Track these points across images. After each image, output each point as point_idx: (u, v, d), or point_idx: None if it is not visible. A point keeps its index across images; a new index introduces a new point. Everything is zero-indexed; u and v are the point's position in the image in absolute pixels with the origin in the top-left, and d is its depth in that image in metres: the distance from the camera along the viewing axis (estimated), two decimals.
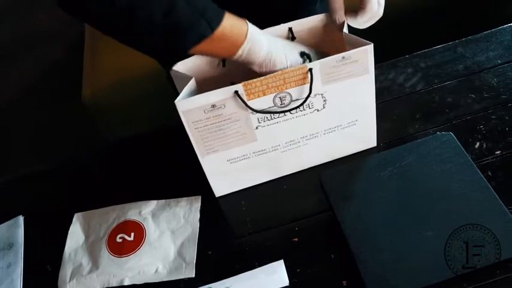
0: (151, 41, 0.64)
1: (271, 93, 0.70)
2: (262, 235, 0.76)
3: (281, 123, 0.74)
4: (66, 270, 0.76)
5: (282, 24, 0.75)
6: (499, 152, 0.77)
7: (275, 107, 0.72)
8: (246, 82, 0.68)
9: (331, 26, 0.76)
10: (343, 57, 0.69)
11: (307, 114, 0.74)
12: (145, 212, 0.80)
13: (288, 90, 0.70)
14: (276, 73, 0.68)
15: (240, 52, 0.68)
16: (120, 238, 0.77)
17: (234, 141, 0.74)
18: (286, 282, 0.69)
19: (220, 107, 0.70)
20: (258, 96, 0.70)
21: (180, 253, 0.75)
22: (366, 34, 0.74)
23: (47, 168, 0.97)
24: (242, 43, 0.67)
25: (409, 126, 0.84)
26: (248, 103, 0.70)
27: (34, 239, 0.83)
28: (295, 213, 0.77)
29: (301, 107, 0.72)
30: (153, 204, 0.82)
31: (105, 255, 0.76)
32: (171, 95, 0.84)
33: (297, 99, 0.71)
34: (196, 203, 0.81)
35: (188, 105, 0.69)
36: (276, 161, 0.79)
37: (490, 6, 1.59)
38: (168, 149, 0.92)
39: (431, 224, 0.69)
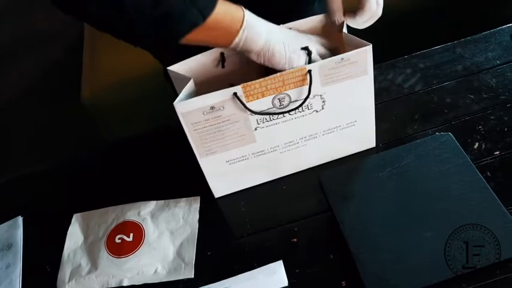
0: (142, 32, 0.63)
1: (270, 94, 0.70)
2: (261, 236, 0.76)
3: (280, 124, 0.74)
4: (65, 270, 0.76)
5: (281, 25, 0.75)
6: (498, 152, 0.77)
7: (274, 108, 0.72)
8: (245, 84, 0.68)
9: (331, 27, 0.76)
10: (342, 59, 0.69)
11: (306, 115, 0.74)
12: (144, 212, 0.80)
13: (286, 92, 0.70)
14: (275, 75, 0.68)
15: (237, 40, 0.67)
16: (119, 239, 0.77)
17: (232, 142, 0.74)
18: (285, 283, 0.69)
19: (219, 109, 0.70)
20: (257, 98, 0.70)
21: (179, 254, 0.75)
22: (365, 34, 0.74)
23: (46, 168, 0.97)
24: (238, 31, 0.66)
25: (408, 127, 0.84)
26: (247, 105, 0.70)
27: (33, 240, 0.83)
28: (294, 213, 0.77)
29: (300, 108, 0.72)
30: (152, 204, 0.82)
31: (104, 255, 0.76)
32: (170, 96, 0.85)
33: (296, 101, 0.72)
34: (195, 204, 0.81)
35: (187, 107, 0.69)
36: (275, 161, 0.79)
37: (489, 6, 1.59)
38: (167, 149, 0.92)
39: (431, 225, 0.69)
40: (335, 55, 0.71)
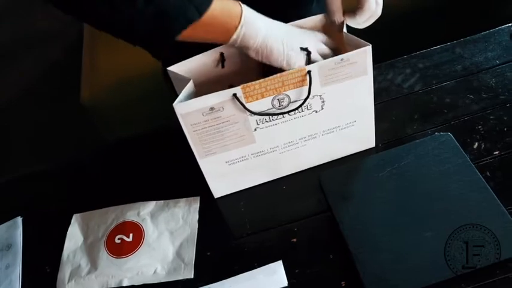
0: (137, 29, 0.62)
1: (269, 95, 0.70)
2: (260, 236, 0.76)
3: (279, 124, 0.74)
4: (65, 271, 0.76)
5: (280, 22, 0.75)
6: (497, 152, 0.77)
7: (273, 109, 0.72)
8: (244, 85, 0.68)
9: (330, 27, 0.76)
10: (342, 59, 0.69)
11: (305, 115, 0.74)
12: (144, 212, 0.80)
13: (286, 92, 0.70)
14: (274, 76, 0.68)
15: (234, 37, 0.67)
16: (118, 239, 0.77)
17: (232, 143, 0.74)
18: (285, 283, 0.69)
19: (219, 110, 0.70)
20: (257, 99, 0.70)
21: (178, 254, 0.75)
22: (365, 34, 0.74)
23: (45, 168, 0.97)
24: (236, 28, 0.66)
25: (407, 127, 0.84)
26: (246, 105, 0.70)
27: (33, 240, 0.83)
28: (293, 213, 0.77)
29: (299, 109, 0.72)
30: (151, 205, 0.82)
31: (104, 256, 0.76)
32: (170, 96, 0.85)
33: (295, 101, 0.72)
34: (195, 204, 0.81)
35: (186, 108, 0.69)
36: (275, 162, 0.79)
37: (489, 6, 1.59)
38: (167, 149, 0.92)
39: (430, 224, 0.69)
40: (335, 54, 0.71)
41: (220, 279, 0.71)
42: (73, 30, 2.19)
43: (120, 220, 0.80)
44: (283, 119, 0.73)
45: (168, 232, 0.78)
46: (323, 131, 0.77)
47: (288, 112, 0.72)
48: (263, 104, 0.70)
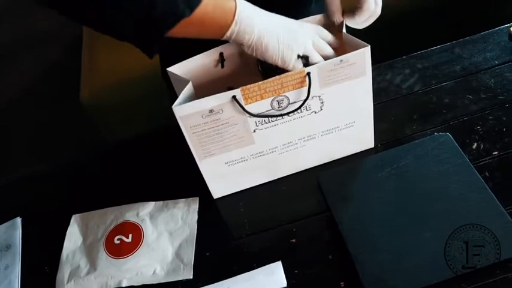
0: (124, 25, 0.61)
1: (268, 97, 0.70)
2: (260, 236, 0.76)
3: (279, 125, 0.74)
4: (64, 271, 0.76)
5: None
6: (496, 152, 0.77)
7: (273, 110, 0.72)
8: (243, 87, 0.68)
9: (330, 27, 0.76)
10: (341, 60, 0.69)
11: (304, 116, 0.74)
12: (143, 213, 0.80)
13: (285, 94, 0.70)
14: (273, 78, 0.68)
15: (228, 34, 0.65)
16: (118, 239, 0.77)
17: (231, 144, 0.74)
18: (284, 284, 0.69)
19: (218, 112, 0.70)
20: (256, 101, 0.70)
21: (178, 254, 0.75)
22: (364, 34, 0.74)
23: (45, 169, 0.97)
24: (229, 24, 0.64)
25: (406, 127, 0.84)
26: (246, 107, 0.70)
27: (32, 241, 0.83)
28: (293, 214, 0.77)
29: (298, 110, 0.72)
30: (151, 205, 0.82)
31: (103, 256, 0.76)
32: (169, 96, 0.85)
33: (294, 102, 0.72)
34: (194, 205, 0.81)
35: (186, 111, 0.69)
36: (274, 163, 0.79)
37: (488, 6, 1.59)
38: (166, 149, 0.92)
39: (430, 225, 0.69)
40: (333, 49, 0.70)
41: (220, 280, 0.71)
42: (73, 30, 2.19)
43: (120, 221, 0.80)
44: (282, 120, 0.73)
45: (167, 233, 0.78)
46: (322, 132, 0.77)
47: (287, 113, 0.72)
48: (262, 106, 0.71)
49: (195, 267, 0.74)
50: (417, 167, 0.76)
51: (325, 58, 0.71)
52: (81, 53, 1.75)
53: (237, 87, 0.68)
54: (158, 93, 1.07)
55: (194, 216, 0.80)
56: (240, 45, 0.68)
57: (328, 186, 0.78)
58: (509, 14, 1.54)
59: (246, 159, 0.77)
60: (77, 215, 0.84)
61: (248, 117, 0.71)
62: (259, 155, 0.77)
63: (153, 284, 0.73)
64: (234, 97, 0.68)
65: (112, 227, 0.80)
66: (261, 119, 0.72)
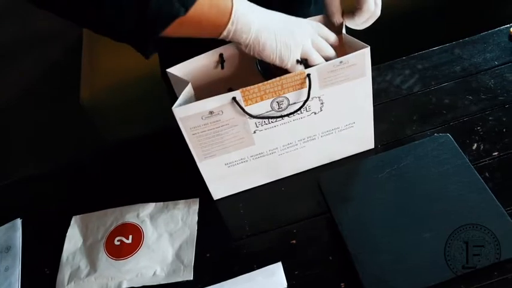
0: (118, 24, 0.60)
1: (268, 98, 0.70)
2: (260, 237, 0.76)
3: (278, 126, 0.74)
4: (64, 273, 0.76)
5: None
6: (496, 153, 0.77)
7: (273, 111, 0.72)
8: (243, 89, 0.68)
9: (329, 28, 0.76)
10: (341, 62, 0.69)
11: (304, 117, 0.74)
12: (143, 214, 0.80)
13: (285, 95, 0.70)
14: (274, 80, 0.68)
15: (225, 33, 0.65)
16: (118, 241, 0.77)
17: (231, 145, 0.74)
18: (285, 284, 0.69)
19: (218, 113, 0.69)
20: (256, 102, 0.70)
21: (178, 256, 0.75)
22: (364, 35, 0.74)
23: (45, 170, 0.97)
24: (226, 24, 0.63)
25: (406, 128, 0.84)
26: (246, 109, 0.70)
27: (32, 242, 0.83)
28: (293, 215, 0.77)
29: (298, 111, 0.72)
30: (151, 206, 0.82)
31: (103, 258, 0.76)
32: (169, 97, 0.85)
33: (294, 103, 0.71)
34: (194, 206, 0.81)
35: (186, 112, 0.68)
36: (274, 164, 0.79)
37: (489, 7, 1.59)
38: (166, 150, 0.92)
39: (430, 225, 0.69)
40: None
41: (220, 281, 0.71)
42: (73, 30, 2.19)
43: (120, 222, 0.80)
44: (282, 121, 0.73)
45: (167, 234, 0.78)
46: (322, 133, 0.77)
47: (287, 115, 0.72)
48: (262, 107, 0.71)
49: (195, 269, 0.74)
50: (417, 167, 0.76)
51: (325, 57, 0.71)
52: (81, 54, 1.75)
53: (237, 89, 0.68)
54: (158, 94, 1.07)
55: (194, 217, 0.80)
56: (236, 43, 0.67)
57: (328, 187, 0.78)
58: (509, 14, 1.54)
59: (246, 160, 0.77)
60: (77, 216, 0.84)
61: (248, 119, 0.71)
62: (259, 156, 0.77)
63: (153, 285, 0.73)
64: (234, 98, 0.68)
65: (112, 228, 0.79)
66: (261, 120, 0.72)
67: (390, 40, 1.42)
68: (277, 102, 0.71)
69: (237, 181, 0.80)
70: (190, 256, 0.75)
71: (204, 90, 0.74)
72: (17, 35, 2.61)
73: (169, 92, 0.84)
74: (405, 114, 0.86)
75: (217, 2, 0.63)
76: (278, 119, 0.73)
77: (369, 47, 0.69)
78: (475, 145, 0.79)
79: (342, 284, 0.68)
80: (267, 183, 0.82)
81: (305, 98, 0.71)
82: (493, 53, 0.92)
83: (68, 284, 0.75)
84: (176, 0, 0.60)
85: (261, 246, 0.75)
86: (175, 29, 0.62)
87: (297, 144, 0.77)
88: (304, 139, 0.77)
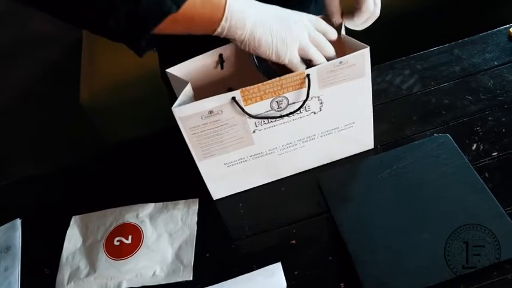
0: (109, 22, 0.59)
1: (268, 98, 0.70)
2: (259, 238, 0.76)
3: (278, 126, 0.74)
4: (64, 273, 0.76)
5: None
6: (495, 153, 0.77)
7: (272, 111, 0.72)
8: (243, 89, 0.68)
9: None
10: (341, 62, 0.69)
11: (304, 117, 0.74)
12: (142, 214, 0.80)
13: (285, 95, 0.70)
14: (273, 80, 0.68)
15: (219, 30, 0.64)
16: (117, 241, 0.77)
17: (231, 145, 0.74)
18: (284, 285, 0.69)
19: (218, 113, 0.70)
20: (255, 102, 0.70)
21: (177, 256, 0.75)
22: (363, 35, 0.74)
23: (44, 170, 0.97)
24: (219, 20, 0.62)
25: (406, 128, 0.84)
26: (245, 108, 0.70)
27: (31, 242, 0.83)
28: (292, 215, 0.77)
29: (298, 111, 0.72)
30: (150, 207, 0.82)
31: (103, 258, 0.76)
32: (169, 98, 0.85)
33: (293, 103, 0.72)
34: (193, 206, 0.81)
35: (185, 112, 0.69)
36: (273, 163, 0.79)
37: (487, 7, 1.59)
38: (166, 151, 0.92)
39: (429, 226, 0.69)
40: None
41: (219, 281, 0.71)
42: (72, 32, 2.20)
43: (119, 222, 0.80)
44: (282, 121, 0.73)
45: (167, 234, 0.78)
46: (321, 133, 0.77)
47: (286, 115, 0.72)
48: (262, 107, 0.71)
49: (195, 269, 0.74)
50: (417, 168, 0.76)
51: (322, 52, 0.70)
52: (81, 55, 1.75)
53: (237, 89, 0.68)
54: (157, 95, 1.07)
55: (194, 218, 0.79)
56: (231, 40, 0.66)
57: (328, 187, 0.78)
58: (507, 15, 1.54)
59: (246, 160, 0.77)
60: (77, 216, 0.84)
61: (247, 118, 0.71)
62: (258, 155, 0.77)
63: (152, 286, 0.73)
64: (233, 98, 0.68)
65: (112, 228, 0.79)
66: (260, 120, 0.72)
67: (390, 40, 1.42)
68: (277, 102, 0.71)
69: (237, 181, 0.80)
70: (189, 256, 0.75)
71: (203, 90, 0.74)
72: (17, 36, 2.61)
73: (168, 92, 0.84)
74: (405, 114, 0.86)
75: None
76: (277, 119, 0.73)
77: (369, 47, 0.69)
78: (475, 145, 0.79)
79: (341, 284, 0.67)
80: (267, 184, 0.82)
81: (304, 98, 0.71)
82: (492, 53, 0.92)
83: (67, 284, 0.75)
84: None
85: (260, 247, 0.75)
86: (168, 26, 0.61)
87: (296, 144, 0.77)
88: (303, 139, 0.77)
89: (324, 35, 0.71)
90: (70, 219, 0.83)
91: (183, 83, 0.72)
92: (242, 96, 0.69)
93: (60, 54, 2.46)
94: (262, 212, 0.79)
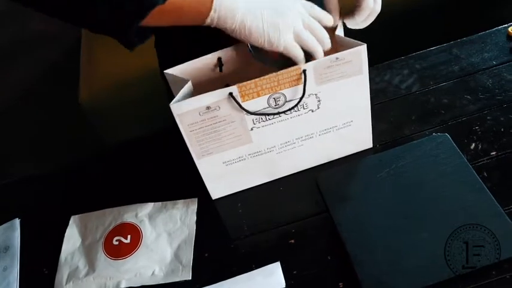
0: (95, 15, 0.59)
1: (265, 94, 0.70)
2: (258, 237, 0.76)
3: (276, 124, 0.74)
4: (63, 273, 0.76)
5: None
6: (494, 153, 0.77)
7: (270, 108, 0.72)
8: (240, 84, 0.68)
9: (325, 28, 0.76)
10: (337, 58, 0.69)
11: (301, 114, 0.74)
12: (141, 214, 0.80)
13: (282, 91, 0.70)
14: (270, 75, 0.68)
15: (208, 21, 0.63)
16: (116, 241, 0.77)
17: (229, 143, 0.74)
18: (283, 284, 0.69)
19: (215, 109, 0.70)
20: (253, 98, 0.70)
21: (176, 255, 0.75)
22: (362, 35, 0.74)
23: (43, 170, 0.97)
24: (208, 11, 0.62)
25: (405, 128, 0.84)
26: (243, 104, 0.70)
27: (30, 242, 0.83)
28: (291, 215, 0.77)
29: (295, 108, 0.72)
30: (149, 206, 0.82)
31: (102, 257, 0.76)
32: (168, 98, 0.85)
33: (291, 100, 0.72)
34: (192, 206, 0.81)
35: (183, 108, 0.69)
36: (272, 162, 0.79)
37: (486, 7, 1.59)
38: (165, 151, 0.92)
39: (428, 225, 0.69)
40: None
41: (218, 281, 0.71)
42: (71, 32, 2.20)
43: (118, 222, 0.80)
44: (280, 118, 0.73)
45: (166, 234, 0.78)
46: (320, 131, 0.77)
47: (284, 111, 0.72)
48: (259, 103, 0.71)
49: (194, 268, 0.74)
50: (416, 167, 0.76)
51: (317, 38, 0.69)
52: (80, 54, 1.75)
53: None
54: (157, 95, 1.07)
55: (193, 217, 0.80)
56: (222, 29, 0.65)
57: (326, 186, 0.78)
58: (507, 14, 1.54)
59: (244, 159, 0.77)
60: (76, 216, 0.84)
61: (245, 115, 0.71)
62: (257, 154, 0.77)
63: (151, 285, 0.73)
64: (230, 94, 0.68)
65: (111, 228, 0.79)
66: (258, 117, 0.72)
67: (388, 40, 1.42)
68: (274, 98, 0.71)
69: (235, 180, 0.80)
70: (188, 256, 0.75)
71: (201, 92, 0.74)
72: (17, 36, 2.61)
73: (168, 92, 0.84)
74: (403, 114, 0.86)
75: None
76: (275, 116, 0.73)
77: (365, 45, 0.69)
78: (473, 145, 0.79)
79: (340, 284, 0.67)
80: (266, 183, 0.82)
81: (301, 95, 0.71)
82: (491, 52, 0.92)
83: (66, 283, 0.75)
84: None
85: (259, 246, 0.75)
86: (156, 18, 0.61)
87: (294, 143, 0.77)
88: (301, 137, 0.77)
89: (319, 21, 0.69)
90: (69, 219, 0.83)
91: (182, 82, 0.72)
92: (239, 92, 0.69)
93: (60, 54, 2.46)
94: (261, 211, 0.79)
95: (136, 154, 0.94)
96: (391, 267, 0.66)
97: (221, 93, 0.68)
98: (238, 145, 0.75)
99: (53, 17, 0.61)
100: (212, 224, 0.79)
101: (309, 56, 0.70)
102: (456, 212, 0.69)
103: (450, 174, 0.74)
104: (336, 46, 0.74)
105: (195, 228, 0.78)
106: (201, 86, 0.76)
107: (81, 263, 0.76)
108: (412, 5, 1.56)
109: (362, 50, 0.69)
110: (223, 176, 0.78)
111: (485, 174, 0.74)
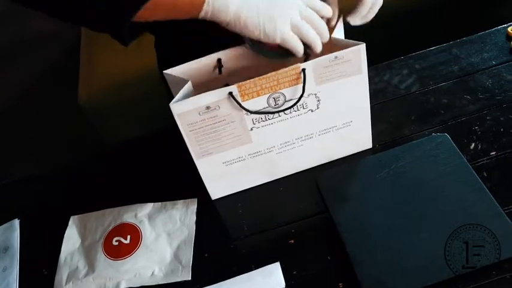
0: (87, 10, 0.59)
1: (265, 93, 0.70)
2: (258, 237, 0.76)
3: (276, 124, 0.74)
4: (62, 273, 0.76)
5: None
6: (494, 153, 0.77)
7: (269, 108, 0.72)
8: (240, 83, 0.68)
9: None
10: (336, 57, 0.69)
11: (301, 114, 0.74)
12: (141, 214, 0.80)
13: (281, 91, 0.70)
14: (269, 74, 0.68)
15: (202, 14, 0.63)
16: (116, 241, 0.77)
17: (229, 142, 0.74)
18: (283, 285, 0.69)
19: (215, 109, 0.70)
20: (252, 97, 0.70)
21: (176, 256, 0.75)
22: (362, 35, 0.74)
23: (43, 170, 0.97)
24: (201, 4, 0.62)
25: (404, 128, 0.84)
26: (242, 104, 0.70)
27: (30, 242, 0.83)
28: (291, 215, 0.77)
29: (295, 107, 0.72)
30: (149, 207, 0.82)
31: (102, 258, 0.76)
32: (167, 98, 0.85)
33: (290, 99, 0.72)
34: (192, 206, 0.81)
35: (183, 108, 0.69)
36: (272, 163, 0.79)
37: (486, 7, 1.59)
38: (164, 151, 0.92)
39: (428, 225, 0.69)
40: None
41: (218, 281, 0.71)
42: (71, 32, 2.20)
43: (118, 222, 0.80)
44: (280, 118, 0.73)
45: (165, 234, 0.78)
46: (319, 131, 0.77)
47: (283, 111, 0.72)
48: (259, 103, 0.71)
49: (194, 269, 0.74)
50: (415, 167, 0.76)
51: (316, 30, 0.68)
52: (79, 54, 1.75)
53: None
54: (157, 95, 1.07)
55: (192, 218, 0.80)
56: (217, 22, 0.65)
57: (326, 186, 0.78)
58: (506, 14, 1.54)
59: (244, 159, 0.77)
60: (75, 216, 0.84)
61: (245, 115, 0.71)
62: (256, 154, 0.77)
63: (151, 286, 0.73)
64: (230, 93, 0.68)
65: (110, 228, 0.79)
66: (258, 117, 0.72)
67: (388, 40, 1.42)
68: (274, 98, 0.71)
69: (235, 180, 0.80)
70: (188, 256, 0.75)
71: (201, 93, 0.74)
72: (17, 36, 2.61)
73: (168, 92, 0.84)
74: (403, 114, 0.86)
75: None
76: (275, 116, 0.73)
77: (364, 44, 0.69)
78: (473, 145, 0.79)
79: (340, 284, 0.67)
80: (265, 183, 0.82)
81: (300, 94, 0.71)
82: (490, 52, 0.92)
83: (66, 284, 0.75)
84: None
85: (259, 246, 0.75)
86: (150, 12, 0.61)
87: (294, 143, 0.77)
88: (301, 137, 0.77)
89: (318, 13, 0.69)
90: (68, 220, 0.83)
91: (182, 82, 0.72)
92: (239, 92, 0.69)
93: (60, 54, 2.46)
94: (260, 211, 0.79)
95: (136, 154, 0.94)
96: (391, 268, 0.66)
97: (221, 92, 0.68)
98: (238, 145, 0.75)
99: (52, 16, 0.61)
100: (212, 224, 0.79)
101: (307, 49, 0.69)
102: (456, 212, 0.69)
103: (450, 174, 0.74)
104: (335, 48, 0.74)
105: (194, 228, 0.78)
106: (201, 87, 0.76)
107: (81, 264, 0.76)
108: (412, 5, 1.56)
109: (361, 48, 0.69)
110: (223, 176, 0.78)
111: (485, 174, 0.74)
